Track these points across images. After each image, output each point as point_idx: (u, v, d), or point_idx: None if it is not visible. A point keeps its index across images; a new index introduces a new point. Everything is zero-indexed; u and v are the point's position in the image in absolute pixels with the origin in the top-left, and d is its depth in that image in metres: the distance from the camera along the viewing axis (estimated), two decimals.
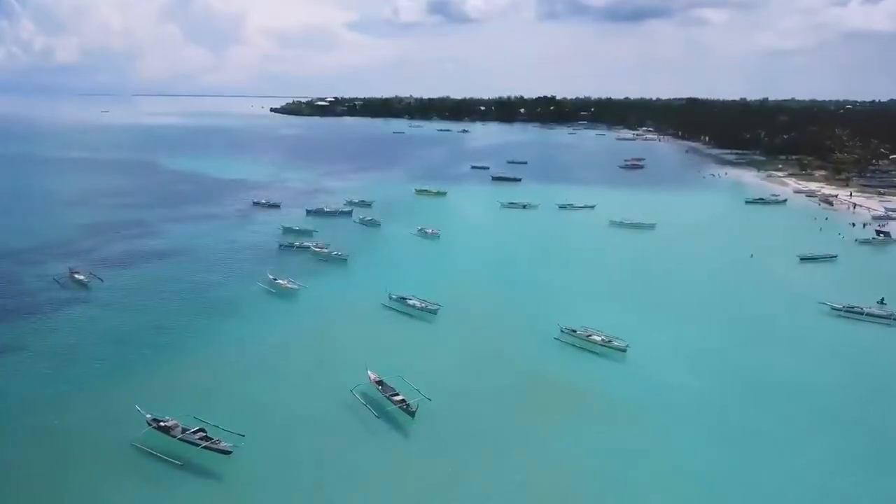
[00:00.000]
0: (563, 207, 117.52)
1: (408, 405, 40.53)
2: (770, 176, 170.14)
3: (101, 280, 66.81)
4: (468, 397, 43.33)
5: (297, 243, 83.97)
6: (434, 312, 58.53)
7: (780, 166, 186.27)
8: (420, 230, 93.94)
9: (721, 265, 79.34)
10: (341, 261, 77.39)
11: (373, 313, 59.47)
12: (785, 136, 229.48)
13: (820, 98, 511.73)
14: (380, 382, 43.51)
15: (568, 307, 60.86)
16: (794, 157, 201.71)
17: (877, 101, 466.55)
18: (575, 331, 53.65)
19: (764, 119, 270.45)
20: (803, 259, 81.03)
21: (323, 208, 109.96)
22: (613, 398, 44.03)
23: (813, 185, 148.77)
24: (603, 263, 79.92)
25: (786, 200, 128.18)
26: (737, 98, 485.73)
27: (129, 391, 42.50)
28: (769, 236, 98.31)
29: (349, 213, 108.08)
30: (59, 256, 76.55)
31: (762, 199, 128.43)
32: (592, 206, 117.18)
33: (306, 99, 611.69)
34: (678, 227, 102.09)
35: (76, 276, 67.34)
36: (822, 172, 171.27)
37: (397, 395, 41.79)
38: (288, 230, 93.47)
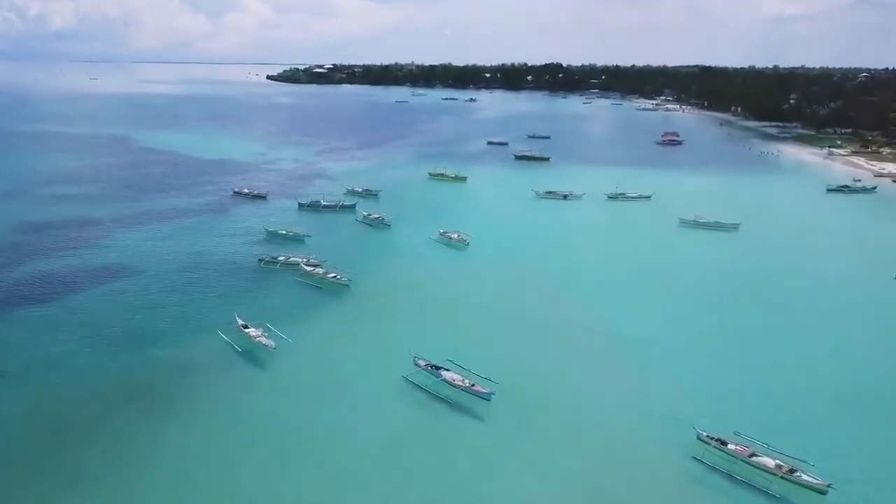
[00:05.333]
0: (612, 198, 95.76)
1: None
2: (832, 154, 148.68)
3: None
4: None
5: (281, 259, 62.63)
6: (487, 399, 37.59)
7: (838, 142, 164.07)
8: (443, 234, 72.70)
9: (864, 296, 57.32)
10: (341, 287, 56.37)
11: (390, 400, 38.43)
12: (831, 106, 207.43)
13: (831, 66, 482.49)
14: None
15: (686, 385, 40.26)
16: (844, 130, 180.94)
17: (890, 68, 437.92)
18: (725, 443, 32.94)
19: (798, 87, 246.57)
20: None
21: (320, 201, 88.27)
22: None
23: (891, 166, 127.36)
24: (702, 294, 57.13)
25: (875, 188, 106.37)
26: (745, 65, 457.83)
27: None
28: (888, 241, 77.07)
29: (352, 208, 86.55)
30: None
31: (847, 186, 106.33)
32: (648, 197, 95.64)
33: (304, 66, 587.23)
34: (767, 229, 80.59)
35: None
36: (890, 150, 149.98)
37: None
38: (273, 235, 72.51)
